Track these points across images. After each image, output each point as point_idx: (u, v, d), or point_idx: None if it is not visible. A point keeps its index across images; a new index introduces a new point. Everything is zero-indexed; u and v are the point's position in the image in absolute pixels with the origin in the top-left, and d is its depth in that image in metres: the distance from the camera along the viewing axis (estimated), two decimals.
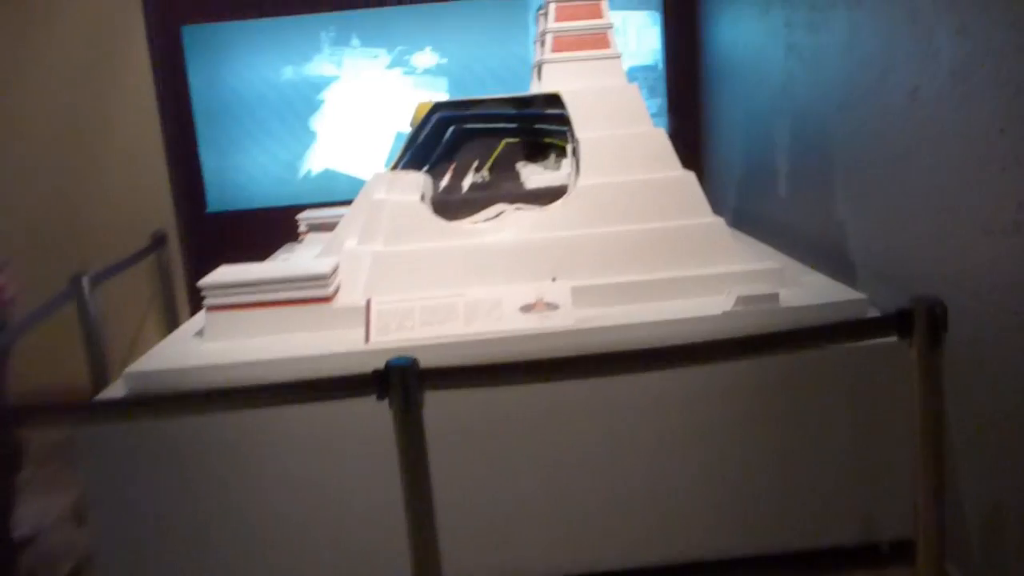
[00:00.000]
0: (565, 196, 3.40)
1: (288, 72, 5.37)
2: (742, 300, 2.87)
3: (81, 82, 5.11)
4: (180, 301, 5.56)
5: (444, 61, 5.37)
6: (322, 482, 2.50)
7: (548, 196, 3.25)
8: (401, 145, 3.65)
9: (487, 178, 3.91)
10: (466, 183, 3.99)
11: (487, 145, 3.91)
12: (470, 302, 3.00)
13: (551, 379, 2.32)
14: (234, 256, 4.73)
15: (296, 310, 2.81)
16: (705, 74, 5.16)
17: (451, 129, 4.17)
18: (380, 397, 2.13)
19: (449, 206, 3.23)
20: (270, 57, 5.38)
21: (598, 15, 3.54)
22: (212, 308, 3.06)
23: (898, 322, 1.89)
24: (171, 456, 2.46)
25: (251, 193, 5.53)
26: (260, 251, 4.56)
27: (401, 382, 2.08)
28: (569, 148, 3.60)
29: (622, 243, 3.00)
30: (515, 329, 2.64)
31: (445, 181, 3.93)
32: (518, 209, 3.45)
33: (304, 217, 4.84)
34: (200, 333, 2.90)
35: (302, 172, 5.49)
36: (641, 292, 2.88)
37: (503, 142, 3.87)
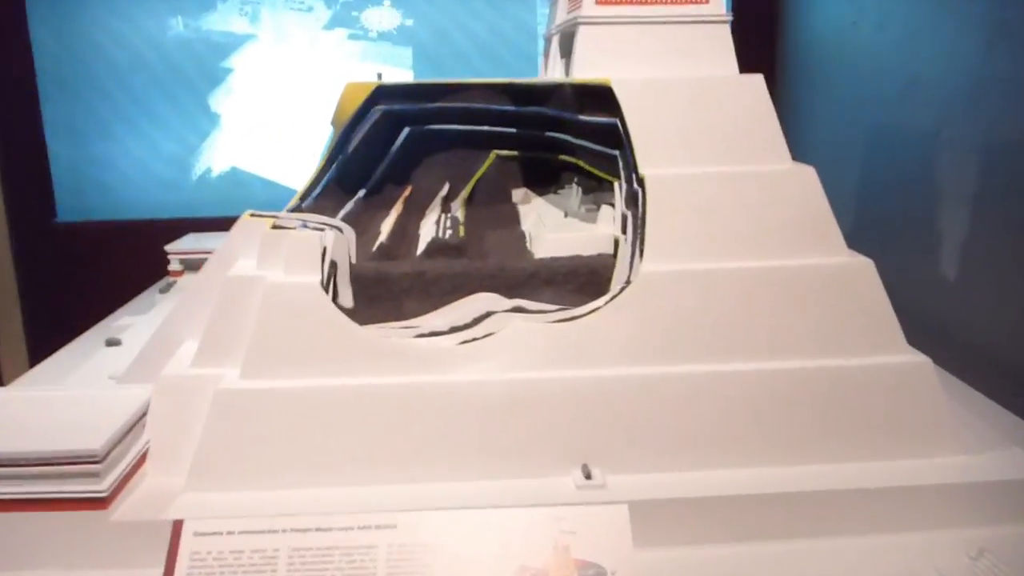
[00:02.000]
0: (613, 291, 1.71)
1: (178, 26, 3.71)
2: None
3: None
4: (9, 349, 3.82)
5: (409, 23, 3.71)
6: None
7: (576, 277, 1.92)
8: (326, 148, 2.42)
9: (461, 224, 2.21)
10: (424, 232, 2.29)
11: (464, 160, 2.58)
12: (401, 547, 1.32)
13: None
14: (94, 288, 3.31)
15: (32, 519, 1.52)
16: (787, 57, 3.47)
17: (406, 131, 2.48)
18: None
19: (385, 288, 1.93)
20: (152, 1, 3.70)
21: None
22: None
23: None
24: None
25: (122, 198, 3.99)
26: (130, 282, 3.20)
27: None
28: (618, 189, 1.90)
29: (730, 400, 1.68)
30: None
31: (387, 225, 2.23)
32: (516, 311, 1.75)
33: (177, 250, 3.14)
34: None
35: (197, 171, 3.84)
36: (774, 519, 1.54)
37: (492, 155, 2.57)
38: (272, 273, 1.73)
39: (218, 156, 3.95)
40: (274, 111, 3.90)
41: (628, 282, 1.74)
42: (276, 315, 1.68)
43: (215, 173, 3.96)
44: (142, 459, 1.67)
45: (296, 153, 3.92)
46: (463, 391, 1.64)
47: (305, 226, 1.85)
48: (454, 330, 1.75)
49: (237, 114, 3.90)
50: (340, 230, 1.93)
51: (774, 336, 1.68)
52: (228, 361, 1.72)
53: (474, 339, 1.71)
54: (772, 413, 1.64)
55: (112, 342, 2.50)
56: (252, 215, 1.91)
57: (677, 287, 1.70)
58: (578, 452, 1.61)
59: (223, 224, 3.29)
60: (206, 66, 3.85)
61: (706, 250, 1.73)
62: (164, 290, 3.08)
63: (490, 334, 1.71)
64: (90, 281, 3.87)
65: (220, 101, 3.88)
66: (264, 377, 1.65)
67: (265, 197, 3.90)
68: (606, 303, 1.72)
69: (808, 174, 1.77)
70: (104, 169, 3.95)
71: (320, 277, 1.72)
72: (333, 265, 1.86)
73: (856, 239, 1.92)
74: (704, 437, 1.62)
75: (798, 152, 1.88)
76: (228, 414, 1.63)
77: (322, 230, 1.86)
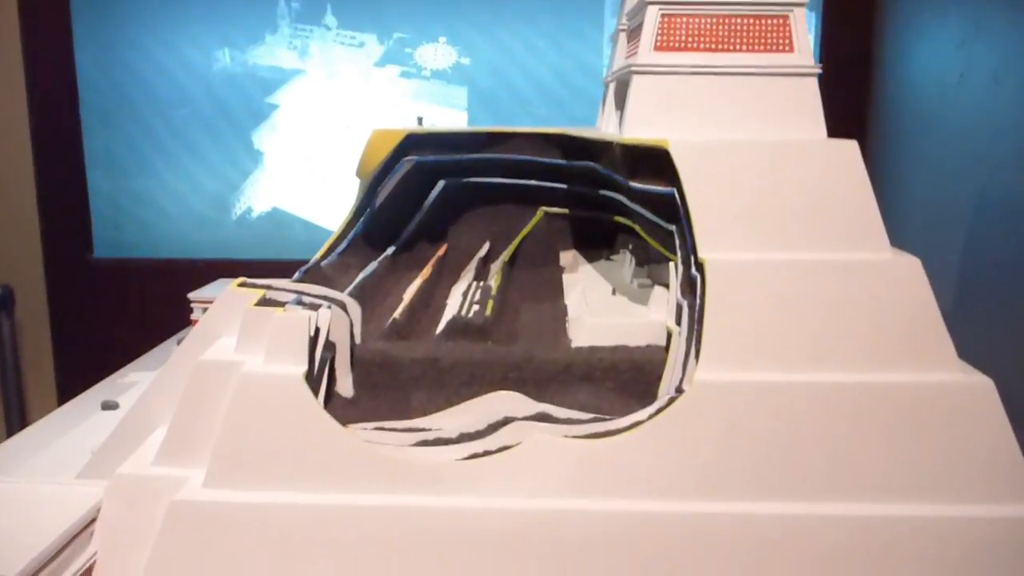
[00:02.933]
0: (660, 401, 1.38)
1: (224, 59, 3.53)
2: None
3: None
4: (37, 387, 3.67)
5: (465, 61, 3.48)
6: None
7: (618, 374, 1.58)
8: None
9: (491, 297, 1.91)
10: (451, 302, 2.01)
11: (509, 216, 2.35)
12: None
13: None
14: (125, 329, 3.27)
15: None
16: (879, 115, 3.12)
17: (441, 184, 2.21)
18: None
19: (391, 374, 1.62)
20: (199, 34, 3.69)
21: None
22: None
23: None
24: None
25: (160, 235, 3.85)
26: (160, 326, 3.07)
27: None
28: (674, 270, 1.58)
29: (804, 552, 1.32)
30: None
31: (410, 292, 1.95)
32: (540, 419, 1.43)
33: (200, 298, 2.95)
34: None
35: (238, 210, 3.64)
36: None
37: (539, 212, 2.34)
38: (251, 359, 1.46)
39: (260, 195, 3.76)
40: (320, 150, 3.70)
41: (679, 390, 1.41)
42: (249, 412, 1.40)
43: (256, 213, 3.76)
44: (86, 574, 1.41)
45: (341, 195, 3.69)
46: (466, 520, 1.33)
47: (299, 302, 1.57)
48: (464, 438, 1.45)
49: (281, 152, 3.71)
50: (343, 305, 1.65)
51: (862, 472, 1.33)
52: (196, 460, 1.45)
53: (487, 452, 1.40)
54: (856, 571, 1.29)
55: (108, 406, 2.27)
56: (242, 284, 1.65)
57: (739, 402, 1.36)
58: None
59: (260, 268, 3.10)
60: (251, 101, 3.67)
61: (778, 358, 1.39)
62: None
63: (506, 447, 1.39)
64: (122, 321, 3.73)
65: (264, 138, 3.70)
66: (230, 487, 1.37)
67: (305, 239, 3.69)
68: (649, 417, 1.39)
69: (911, 266, 1.42)
70: (144, 205, 3.79)
71: (306, 367, 1.44)
72: (331, 347, 1.58)
73: (963, 337, 1.56)
74: None
75: (889, 229, 1.55)
76: (184, 530, 1.35)
77: (319, 306, 1.58)
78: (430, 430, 1.49)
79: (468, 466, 1.38)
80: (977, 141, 2.55)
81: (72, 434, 2.12)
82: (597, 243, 2.38)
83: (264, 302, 1.55)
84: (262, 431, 1.39)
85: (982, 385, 1.36)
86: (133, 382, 2.51)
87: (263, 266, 3.39)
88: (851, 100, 3.36)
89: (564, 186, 2.28)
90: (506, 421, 1.46)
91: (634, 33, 1.76)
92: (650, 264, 2.03)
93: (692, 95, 1.59)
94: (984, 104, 2.51)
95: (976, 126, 2.55)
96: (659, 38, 1.59)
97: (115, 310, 3.80)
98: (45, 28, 3.63)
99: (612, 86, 2.01)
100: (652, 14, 1.59)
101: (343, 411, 1.52)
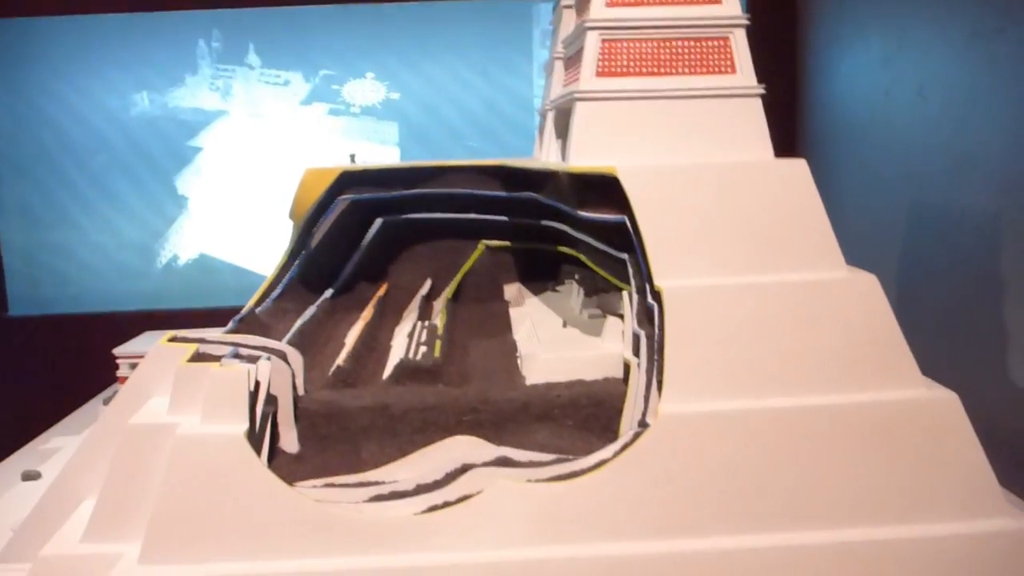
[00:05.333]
0: (624, 437, 1.33)
1: (144, 101, 3.40)
2: None
3: None
4: None
5: (395, 96, 3.40)
6: None
7: (577, 410, 1.52)
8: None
9: (438, 337, 1.83)
10: (396, 344, 1.93)
11: (449, 253, 2.33)
12: None
13: None
14: (46, 388, 3.11)
15: None
16: (809, 134, 3.18)
17: (379, 222, 2.14)
18: None
19: (339, 425, 1.52)
20: (117, 76, 3.52)
21: None
22: None
23: None
24: None
25: (81, 289, 3.67)
26: (84, 385, 2.88)
27: None
28: (628, 300, 1.53)
29: None
30: None
31: (352, 336, 1.86)
32: (501, 463, 1.36)
33: (126, 353, 2.79)
34: None
35: (163, 258, 3.52)
36: None
37: (480, 246, 2.32)
38: (186, 420, 1.36)
39: (186, 242, 3.61)
40: (247, 193, 3.57)
41: (643, 424, 1.36)
42: (187, 477, 1.29)
43: (182, 260, 3.62)
44: None
45: (270, 238, 3.58)
46: None
47: (236, 355, 1.48)
48: (421, 490, 1.36)
49: (207, 197, 3.58)
50: (283, 355, 1.56)
51: (837, 496, 1.29)
52: (130, 534, 1.33)
53: (446, 504, 1.32)
54: None
55: (29, 476, 2.11)
56: (173, 339, 1.54)
57: (706, 433, 1.31)
58: None
59: (189, 317, 2.96)
60: (173, 145, 3.53)
61: (742, 384, 1.34)
62: (109, 401, 2.70)
63: (466, 497, 1.32)
64: (41, 382, 3.53)
65: (188, 183, 3.56)
66: (170, 561, 1.26)
67: (236, 285, 3.56)
68: (615, 454, 1.33)
69: (869, 284, 1.40)
70: (61, 258, 3.60)
71: (247, 425, 1.34)
72: (272, 400, 1.48)
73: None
74: None
75: None
76: None
77: (258, 357, 1.49)
78: (384, 483, 1.40)
79: (428, 520, 1.30)
80: (906, 157, 2.59)
81: None
82: (541, 275, 2.33)
83: (198, 357, 1.45)
84: (202, 497, 1.29)
85: (948, 400, 1.35)
86: (56, 448, 2.35)
87: (193, 315, 3.25)
88: (778, 121, 3.42)
89: (505, 218, 2.24)
90: (465, 469, 1.38)
91: (573, 60, 1.73)
92: (599, 294, 1.98)
93: (636, 120, 1.55)
94: (911, 120, 2.55)
95: (904, 142, 2.59)
96: (600, 64, 1.56)
97: (33, 370, 3.59)
98: None
99: (551, 115, 1.97)
100: (593, 40, 1.56)
101: (289, 468, 1.42)
